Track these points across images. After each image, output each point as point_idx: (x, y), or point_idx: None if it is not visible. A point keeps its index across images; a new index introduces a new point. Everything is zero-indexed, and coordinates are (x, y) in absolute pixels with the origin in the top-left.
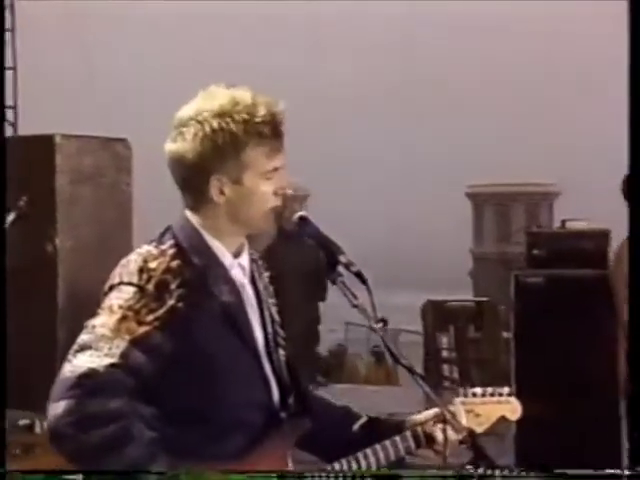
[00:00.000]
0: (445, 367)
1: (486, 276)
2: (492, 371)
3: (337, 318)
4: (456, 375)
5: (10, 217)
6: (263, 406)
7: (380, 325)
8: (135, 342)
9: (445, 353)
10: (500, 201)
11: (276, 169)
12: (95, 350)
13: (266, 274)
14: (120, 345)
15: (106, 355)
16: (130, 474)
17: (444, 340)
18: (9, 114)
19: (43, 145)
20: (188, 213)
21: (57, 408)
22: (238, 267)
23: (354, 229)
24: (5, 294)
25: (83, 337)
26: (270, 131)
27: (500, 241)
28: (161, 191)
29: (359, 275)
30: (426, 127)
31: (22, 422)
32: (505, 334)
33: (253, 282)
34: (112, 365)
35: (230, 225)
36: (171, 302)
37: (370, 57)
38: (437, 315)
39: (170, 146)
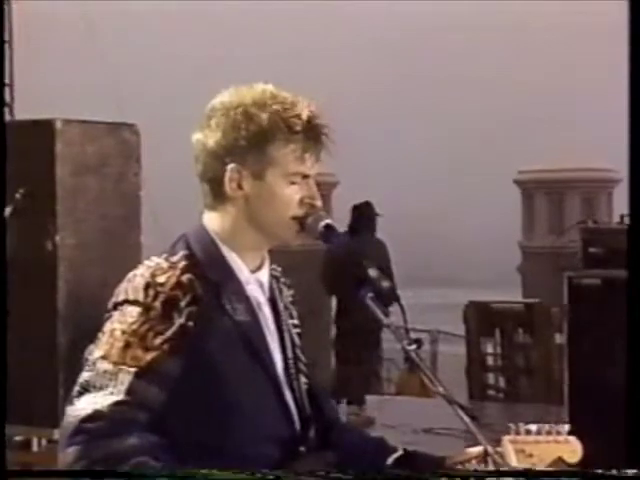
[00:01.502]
0: (490, 376)
1: (537, 273)
2: (543, 381)
3: None
4: (502, 384)
5: (5, 212)
6: (282, 439)
7: (414, 347)
8: (142, 373)
9: (490, 360)
10: (553, 189)
11: (306, 176)
12: (98, 389)
13: (289, 292)
14: (125, 379)
15: (111, 393)
16: (137, 477)
17: (489, 346)
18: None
19: (42, 131)
20: (205, 219)
21: (66, 457)
22: (255, 283)
23: (389, 222)
24: (6, 296)
25: (84, 375)
26: (304, 130)
27: (553, 234)
28: (173, 183)
29: (391, 292)
30: (469, 104)
31: (17, 438)
32: (558, 339)
33: (272, 301)
34: (118, 403)
35: (248, 231)
36: (180, 321)
37: (412, 39)
38: (481, 318)
39: (195, 136)
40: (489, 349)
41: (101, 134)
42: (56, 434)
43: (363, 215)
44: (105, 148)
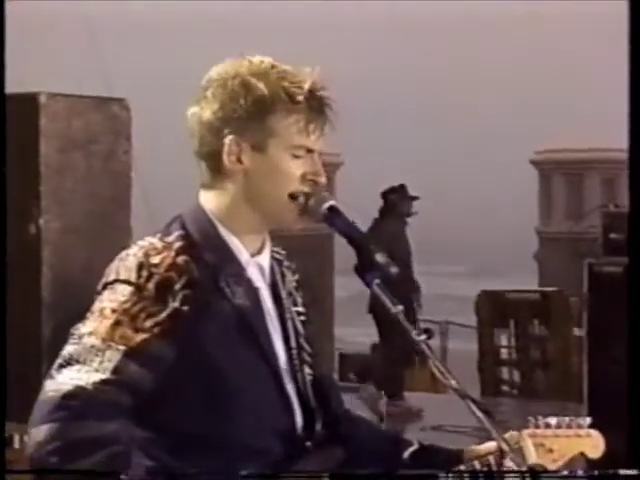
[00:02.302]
0: (504, 370)
1: (555, 260)
2: (560, 375)
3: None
4: (517, 379)
5: None
6: (285, 433)
7: (424, 337)
8: (131, 353)
9: (504, 353)
10: (571, 170)
11: (310, 151)
12: (83, 364)
13: (293, 278)
14: (113, 357)
15: (96, 370)
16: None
17: (503, 338)
18: None
19: (25, 105)
20: (202, 198)
21: (38, 433)
22: (255, 266)
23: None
24: (5, 295)
25: (68, 348)
26: (307, 100)
27: (571, 219)
28: (167, 162)
29: (405, 280)
30: (485, 83)
31: None
32: (577, 331)
33: (274, 286)
34: (103, 382)
35: (247, 211)
36: (174, 305)
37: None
38: (495, 308)
39: (190, 109)
40: (503, 341)
41: (88, 109)
42: None
43: (386, 200)
44: (93, 124)
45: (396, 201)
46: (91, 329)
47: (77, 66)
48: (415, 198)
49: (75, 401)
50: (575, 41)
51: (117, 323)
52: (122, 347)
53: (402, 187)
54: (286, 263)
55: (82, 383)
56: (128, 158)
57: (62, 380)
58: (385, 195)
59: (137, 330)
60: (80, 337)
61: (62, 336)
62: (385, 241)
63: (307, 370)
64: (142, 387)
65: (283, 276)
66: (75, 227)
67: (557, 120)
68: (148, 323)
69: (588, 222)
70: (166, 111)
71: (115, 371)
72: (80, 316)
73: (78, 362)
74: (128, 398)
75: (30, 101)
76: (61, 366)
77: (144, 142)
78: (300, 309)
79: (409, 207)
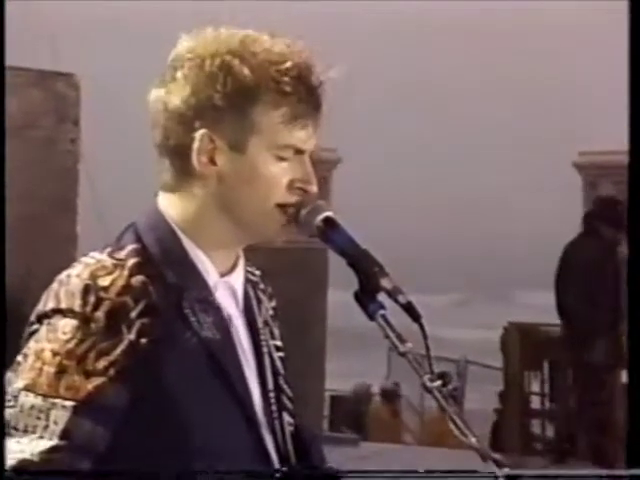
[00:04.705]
0: (534, 423)
1: None
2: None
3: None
4: (550, 435)
5: None
6: None
7: (438, 384)
8: (82, 408)
9: (536, 402)
10: (621, 176)
11: (299, 152)
12: (23, 432)
13: (270, 304)
14: (60, 418)
15: (41, 437)
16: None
17: (535, 383)
18: None
19: None
20: (162, 203)
21: None
22: (225, 289)
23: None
24: (4, 296)
25: (6, 412)
26: (297, 89)
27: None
28: (124, 154)
29: (409, 309)
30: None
31: None
32: (625, 377)
33: (248, 314)
34: (52, 449)
35: (219, 222)
36: (130, 337)
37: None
38: (526, 345)
39: (154, 93)
40: (535, 387)
41: (27, 84)
42: None
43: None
44: (32, 104)
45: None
46: (28, 381)
47: (14, 31)
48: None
49: (23, 477)
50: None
51: (61, 371)
52: (70, 403)
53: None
54: (261, 286)
55: (26, 456)
56: (75, 148)
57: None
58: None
59: (87, 375)
60: (15, 397)
61: None
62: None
63: (287, 418)
64: (100, 446)
65: (259, 302)
66: (9, 231)
67: (606, 120)
68: (100, 364)
69: None
70: (126, 91)
71: (64, 435)
72: (12, 343)
73: (18, 430)
74: (85, 462)
75: None
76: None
77: (96, 129)
78: (278, 343)
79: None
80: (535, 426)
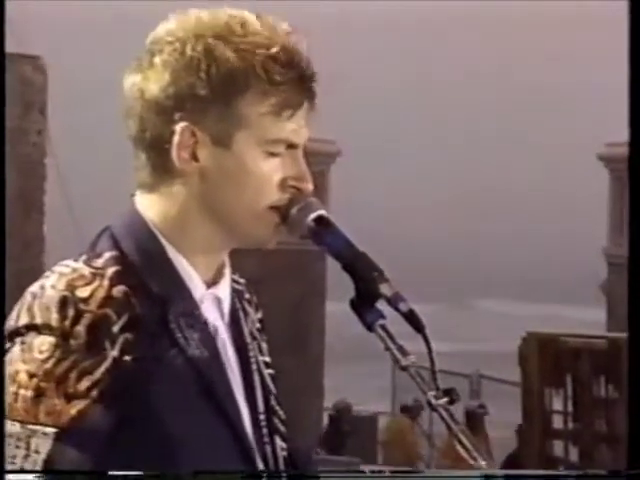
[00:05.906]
0: (557, 444)
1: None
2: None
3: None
4: (574, 457)
5: None
6: None
7: (444, 401)
8: (65, 434)
9: (558, 421)
10: None
11: (292, 145)
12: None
13: (256, 316)
14: (41, 445)
15: (22, 467)
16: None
17: (557, 400)
18: None
19: None
20: (139, 202)
21: None
22: (211, 300)
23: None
24: (4, 296)
25: None
26: (288, 77)
27: None
28: (95, 147)
29: (412, 318)
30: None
31: None
32: None
33: (234, 327)
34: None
35: (202, 224)
36: (114, 354)
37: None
38: (546, 359)
39: (129, 78)
40: (557, 405)
41: None
42: None
43: None
44: None
45: None
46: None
47: None
48: None
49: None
50: None
51: (39, 394)
52: (51, 429)
53: None
54: (247, 296)
55: None
56: (42, 140)
57: None
58: None
59: (69, 398)
60: None
61: None
62: None
63: (279, 442)
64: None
65: (245, 314)
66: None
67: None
68: (83, 385)
69: None
70: (99, 77)
71: (48, 464)
72: None
73: None
74: None
75: None
76: None
77: (65, 118)
78: (267, 359)
79: None
80: (557, 448)
